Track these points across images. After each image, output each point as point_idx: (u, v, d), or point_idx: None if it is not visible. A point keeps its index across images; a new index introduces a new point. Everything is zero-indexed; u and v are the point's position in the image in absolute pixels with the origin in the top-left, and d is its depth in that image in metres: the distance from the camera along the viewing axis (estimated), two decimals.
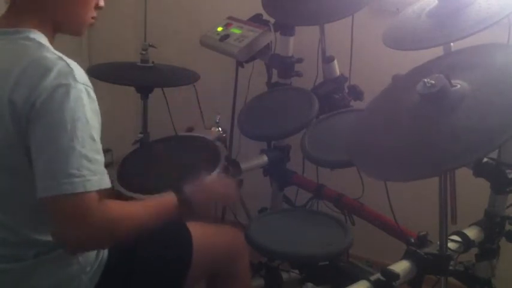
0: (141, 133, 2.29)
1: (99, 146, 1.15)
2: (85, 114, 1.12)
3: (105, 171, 1.15)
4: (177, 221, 1.40)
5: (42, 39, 1.20)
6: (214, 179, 1.54)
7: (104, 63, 2.35)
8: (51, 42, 1.23)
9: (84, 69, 1.18)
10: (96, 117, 1.16)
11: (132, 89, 2.31)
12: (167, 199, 1.33)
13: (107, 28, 2.66)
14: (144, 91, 2.28)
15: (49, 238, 1.22)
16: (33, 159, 1.12)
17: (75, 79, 1.12)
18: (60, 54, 1.17)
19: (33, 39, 1.19)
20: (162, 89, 2.41)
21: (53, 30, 1.25)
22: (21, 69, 1.13)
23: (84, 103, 1.12)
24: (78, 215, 1.11)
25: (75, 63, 1.17)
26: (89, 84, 1.16)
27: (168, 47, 2.50)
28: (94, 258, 1.29)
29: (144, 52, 2.30)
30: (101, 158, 1.15)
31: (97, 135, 1.15)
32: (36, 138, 1.11)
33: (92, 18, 1.30)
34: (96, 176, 1.12)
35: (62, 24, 1.26)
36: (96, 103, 1.17)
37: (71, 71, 1.13)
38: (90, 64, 2.54)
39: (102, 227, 1.13)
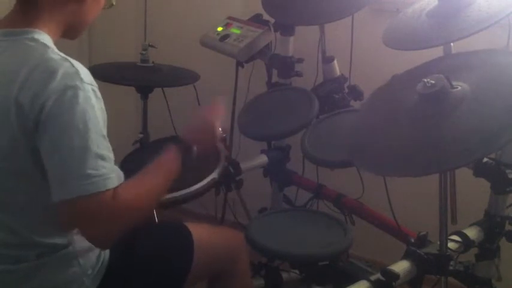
0: (141, 133, 2.29)
1: (109, 144, 1.16)
2: (95, 114, 1.13)
3: (116, 167, 1.17)
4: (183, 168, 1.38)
5: (47, 39, 1.20)
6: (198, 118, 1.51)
7: (104, 63, 2.35)
8: (55, 43, 1.23)
9: (86, 69, 1.18)
10: (103, 115, 1.17)
11: (132, 89, 2.31)
12: (169, 156, 1.34)
13: (107, 28, 2.66)
14: (144, 91, 2.28)
15: (51, 240, 1.22)
16: (46, 163, 1.12)
17: (81, 80, 1.13)
18: (65, 55, 1.17)
19: (38, 40, 1.18)
20: (162, 89, 2.42)
21: (59, 33, 1.25)
22: (27, 71, 1.13)
23: (93, 103, 1.13)
24: (104, 212, 1.12)
25: (80, 64, 1.17)
26: (94, 83, 1.17)
27: (168, 47, 2.50)
28: (95, 261, 1.29)
29: (144, 52, 2.30)
30: (112, 155, 1.16)
31: (106, 133, 1.16)
32: (49, 143, 1.11)
33: None
34: (113, 173, 1.13)
35: (69, 26, 1.26)
36: (102, 102, 1.17)
37: (76, 71, 1.13)
38: (90, 64, 2.54)
39: (126, 215, 1.15)
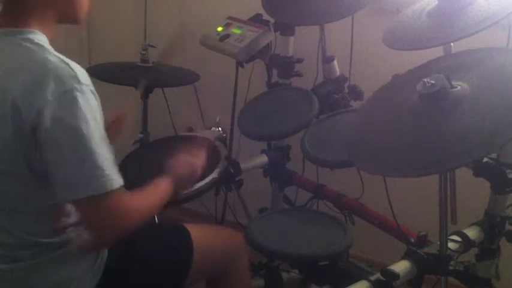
0: (141, 133, 2.29)
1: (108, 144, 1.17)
2: (95, 116, 1.13)
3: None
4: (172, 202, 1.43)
5: (44, 40, 1.20)
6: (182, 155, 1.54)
7: (104, 63, 2.35)
8: (52, 39, 1.22)
9: (84, 69, 1.18)
10: (101, 116, 1.17)
11: (132, 89, 2.31)
12: (165, 183, 1.37)
13: (107, 28, 2.66)
14: (144, 91, 2.28)
15: (47, 239, 1.23)
16: (51, 166, 1.12)
17: (79, 82, 1.13)
18: (62, 57, 1.17)
19: (33, 41, 1.18)
20: (162, 89, 2.41)
21: (55, 26, 1.25)
22: (24, 73, 1.13)
23: (92, 104, 1.14)
24: (112, 213, 1.14)
25: (77, 65, 1.17)
26: (91, 84, 1.17)
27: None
28: (94, 260, 1.29)
29: (144, 52, 2.30)
30: (112, 156, 1.17)
31: (104, 133, 1.17)
32: (54, 147, 1.11)
33: None
34: (116, 173, 1.15)
35: (64, 15, 1.26)
36: (99, 101, 1.18)
37: (74, 74, 1.13)
38: (90, 64, 2.53)
39: (127, 219, 1.18)
